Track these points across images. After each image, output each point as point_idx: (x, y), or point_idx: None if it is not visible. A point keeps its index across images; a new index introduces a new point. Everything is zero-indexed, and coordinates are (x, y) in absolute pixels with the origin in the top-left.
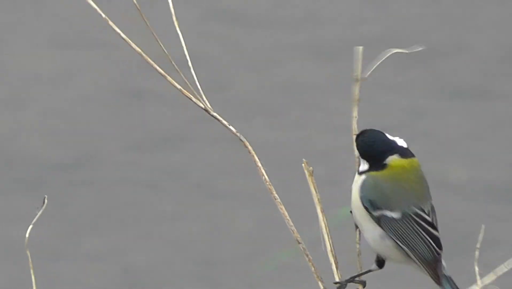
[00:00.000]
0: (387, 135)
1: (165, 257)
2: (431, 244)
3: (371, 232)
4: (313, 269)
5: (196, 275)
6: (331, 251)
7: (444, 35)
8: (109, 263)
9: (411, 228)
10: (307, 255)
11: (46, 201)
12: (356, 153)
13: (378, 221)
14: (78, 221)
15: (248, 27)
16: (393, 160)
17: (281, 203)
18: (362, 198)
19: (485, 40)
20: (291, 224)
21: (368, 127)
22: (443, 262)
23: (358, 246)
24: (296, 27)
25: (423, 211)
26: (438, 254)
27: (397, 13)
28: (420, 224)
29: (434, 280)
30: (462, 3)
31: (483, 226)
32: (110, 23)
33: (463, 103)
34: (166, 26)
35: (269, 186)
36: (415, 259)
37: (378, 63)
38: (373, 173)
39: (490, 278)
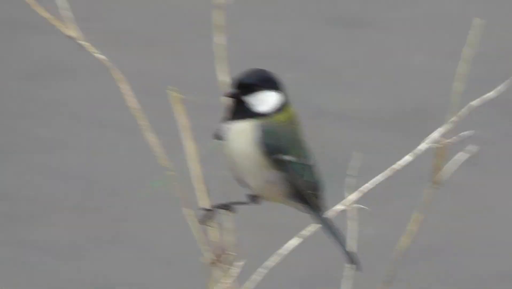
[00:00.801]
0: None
1: (42, 186)
2: (316, 186)
3: (261, 175)
4: (180, 195)
5: (75, 205)
6: (199, 179)
7: None
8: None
9: (302, 170)
10: (175, 182)
11: None
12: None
13: (274, 164)
14: None
15: None
16: (278, 101)
17: (149, 130)
18: (259, 142)
19: None
20: (160, 150)
21: (244, 55)
22: (321, 196)
23: (226, 173)
24: None
25: (309, 154)
26: (319, 194)
27: None
28: (309, 166)
29: (311, 209)
30: None
31: (357, 155)
32: None
33: (342, 31)
34: None
35: (136, 113)
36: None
37: None
38: (267, 118)
39: (355, 196)
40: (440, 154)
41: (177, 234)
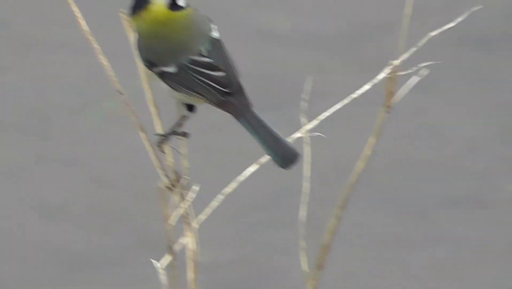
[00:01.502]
0: None
1: None
2: (212, 86)
3: (160, 85)
4: (134, 119)
5: (25, 126)
6: (152, 101)
7: None
8: None
9: (189, 78)
10: (128, 105)
11: None
12: None
13: (161, 76)
14: None
15: None
16: (155, 3)
17: (101, 52)
18: (140, 57)
19: None
20: (112, 73)
21: None
22: (238, 96)
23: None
24: None
25: (200, 54)
26: (227, 92)
27: None
28: (197, 70)
29: (231, 114)
30: None
31: (309, 78)
32: None
33: None
34: None
35: (89, 36)
36: (206, 102)
37: None
38: (139, 25)
39: (312, 124)
40: (393, 79)
41: (132, 159)
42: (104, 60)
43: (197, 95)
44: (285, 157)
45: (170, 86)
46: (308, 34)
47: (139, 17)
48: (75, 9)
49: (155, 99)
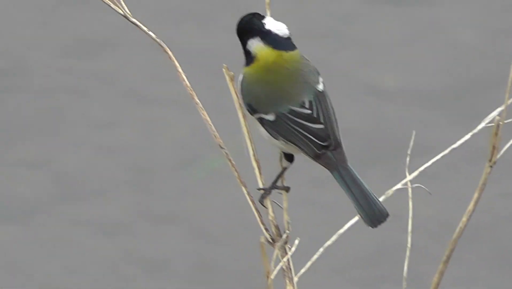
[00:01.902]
0: (268, 18)
1: (97, 165)
2: (310, 139)
3: (260, 131)
4: (236, 174)
5: (128, 182)
6: (254, 156)
7: None
8: (40, 171)
9: (286, 128)
10: (230, 160)
11: None
12: None
13: (261, 122)
14: (8, 128)
15: None
16: (258, 49)
17: (202, 108)
18: (243, 101)
19: None
20: (214, 129)
21: (298, 35)
22: (336, 151)
23: (279, 150)
24: None
25: (301, 106)
26: (324, 145)
27: None
28: (295, 121)
29: (326, 168)
30: None
31: (415, 133)
32: None
33: (395, 9)
34: None
35: (191, 91)
36: (303, 153)
37: None
38: (246, 70)
39: (413, 176)
40: (496, 132)
41: (234, 213)
42: (205, 115)
43: (293, 145)
44: (374, 216)
45: (269, 133)
46: (414, 90)
47: (251, 66)
48: (177, 64)
49: (257, 153)
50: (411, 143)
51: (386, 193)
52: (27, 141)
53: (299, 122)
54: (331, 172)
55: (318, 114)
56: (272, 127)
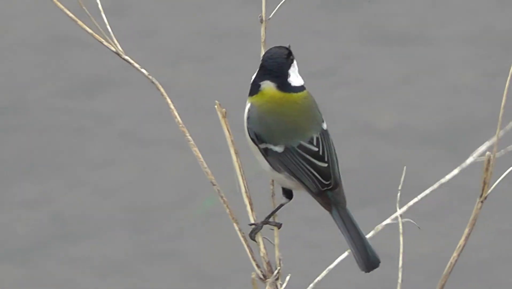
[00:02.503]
0: (293, 69)
1: (94, 204)
2: (315, 176)
3: (262, 163)
4: (228, 210)
5: (125, 222)
6: (246, 193)
7: None
8: (37, 210)
9: (294, 162)
10: (222, 197)
11: None
12: None
13: (265, 153)
14: (6, 167)
15: None
16: (267, 89)
17: (194, 145)
18: (249, 130)
19: None
20: (205, 166)
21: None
22: (335, 191)
23: (272, 187)
24: None
25: (309, 142)
26: (326, 184)
27: None
28: (303, 156)
29: (323, 207)
30: None
31: (405, 168)
32: None
33: (391, 48)
34: None
35: (182, 128)
36: (304, 189)
37: (281, 3)
38: (254, 100)
39: (402, 211)
40: (487, 168)
41: (228, 250)
42: (197, 152)
43: (297, 180)
44: (369, 261)
45: (272, 165)
46: (410, 129)
47: (256, 97)
48: (169, 101)
49: (249, 190)
50: (402, 179)
51: (376, 228)
52: (24, 180)
53: (306, 158)
54: (330, 211)
55: (323, 152)
56: (278, 160)
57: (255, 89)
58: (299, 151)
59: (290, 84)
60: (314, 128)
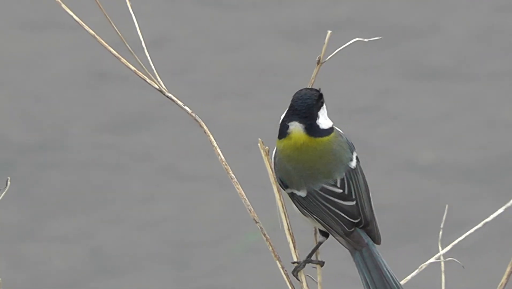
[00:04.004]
0: (323, 112)
1: (133, 240)
2: (341, 216)
3: (293, 206)
4: (270, 248)
5: (164, 258)
6: (288, 230)
7: (415, 15)
8: (76, 245)
9: (317, 205)
10: (264, 235)
11: (9, 182)
12: None
13: (292, 197)
14: (46, 203)
15: (215, 8)
16: (295, 131)
17: (237, 182)
18: (276, 175)
19: (455, 21)
20: (248, 203)
21: (337, 109)
22: (368, 229)
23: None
24: (262, 9)
25: (333, 184)
26: (356, 222)
27: None
28: (327, 198)
29: (353, 246)
30: None
31: (447, 206)
32: (63, 6)
33: (432, 85)
34: (131, 7)
35: (225, 166)
36: (332, 232)
37: (341, 48)
38: (279, 144)
39: (446, 250)
40: None
41: (267, 288)
42: (240, 190)
43: (323, 223)
44: None
45: (299, 209)
46: (452, 165)
47: (283, 141)
48: (212, 139)
49: (291, 227)
50: (444, 217)
51: (420, 267)
52: (65, 216)
53: (330, 199)
54: (352, 253)
55: (350, 191)
56: (303, 204)
57: (283, 130)
58: (321, 193)
59: (318, 126)
60: (337, 170)
